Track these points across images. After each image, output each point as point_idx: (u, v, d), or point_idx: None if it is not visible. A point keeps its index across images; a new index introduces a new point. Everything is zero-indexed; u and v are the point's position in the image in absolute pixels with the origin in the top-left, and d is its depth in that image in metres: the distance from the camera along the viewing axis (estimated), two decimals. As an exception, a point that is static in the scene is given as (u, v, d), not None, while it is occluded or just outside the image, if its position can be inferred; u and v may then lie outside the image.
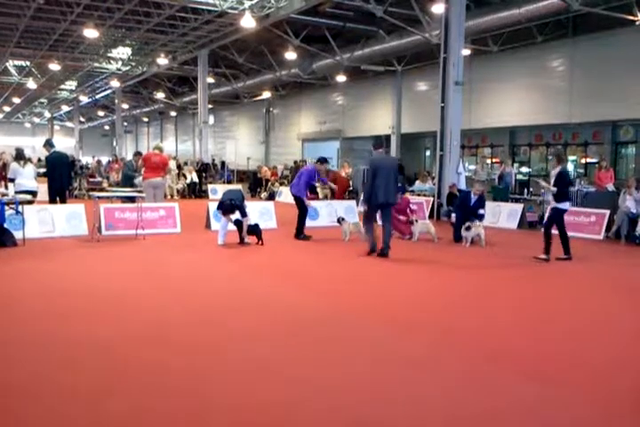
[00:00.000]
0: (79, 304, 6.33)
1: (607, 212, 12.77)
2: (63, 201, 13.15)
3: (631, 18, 16.99)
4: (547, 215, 10.27)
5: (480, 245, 11.26)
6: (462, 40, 16.03)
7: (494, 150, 26.68)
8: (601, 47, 19.40)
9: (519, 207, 14.91)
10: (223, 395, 3.95)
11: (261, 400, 3.86)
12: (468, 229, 11.32)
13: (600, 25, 18.85)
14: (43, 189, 13.02)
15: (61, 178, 13.19)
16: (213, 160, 31.39)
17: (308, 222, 12.34)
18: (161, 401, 3.83)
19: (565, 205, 9.71)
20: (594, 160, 21.60)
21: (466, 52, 18.11)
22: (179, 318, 5.87)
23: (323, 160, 12.13)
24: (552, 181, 9.73)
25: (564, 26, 20.67)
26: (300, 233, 11.81)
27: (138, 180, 13.56)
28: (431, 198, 16.91)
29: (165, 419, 3.59)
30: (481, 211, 11.78)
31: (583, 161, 23.03)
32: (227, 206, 10.72)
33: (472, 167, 27.22)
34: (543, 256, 9.61)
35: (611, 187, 15.35)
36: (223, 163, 30.87)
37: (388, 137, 29.75)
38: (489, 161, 26.98)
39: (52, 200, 12.97)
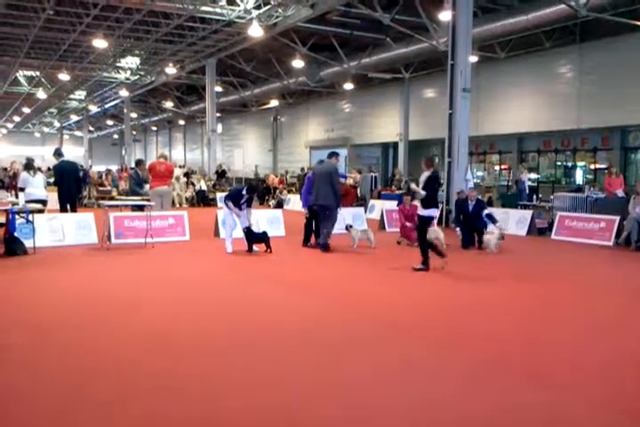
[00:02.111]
0: (88, 312, 6.35)
1: (617, 218, 12.70)
2: (73, 210, 13.20)
3: (639, 23, 16.95)
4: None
5: (490, 250, 11.22)
6: (470, 47, 16.04)
7: (502, 157, 26.65)
8: (609, 53, 19.38)
9: (528, 214, 14.85)
10: (227, 399, 3.95)
11: (264, 404, 3.87)
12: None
13: (608, 31, 18.83)
14: (52, 197, 13.09)
15: (70, 187, 13.22)
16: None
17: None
18: (169, 407, 3.83)
19: (432, 212, 9.14)
20: (603, 166, 21.52)
21: (473, 58, 18.11)
22: (186, 325, 5.87)
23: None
24: (421, 186, 9.18)
25: (572, 32, 20.66)
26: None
27: (145, 189, 13.59)
28: (439, 205, 16.87)
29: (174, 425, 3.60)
30: (485, 211, 11.82)
31: (592, 167, 22.95)
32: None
33: (479, 174, 27.25)
34: (419, 266, 9.02)
35: (620, 193, 15.28)
36: (224, 171, 30.72)
37: (395, 144, 29.81)
38: (497, 167, 26.96)
39: (62, 209, 13.03)
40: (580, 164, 23.70)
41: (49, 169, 28.71)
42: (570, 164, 24.07)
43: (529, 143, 25.14)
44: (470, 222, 11.86)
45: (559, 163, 24.48)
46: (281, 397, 4.04)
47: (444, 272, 9.28)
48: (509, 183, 24.02)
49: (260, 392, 4.11)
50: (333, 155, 11.57)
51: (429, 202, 9.09)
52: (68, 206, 13.07)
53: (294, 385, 4.27)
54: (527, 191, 18.89)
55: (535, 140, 24.58)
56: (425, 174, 9.19)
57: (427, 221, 9.14)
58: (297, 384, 4.29)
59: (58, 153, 13.42)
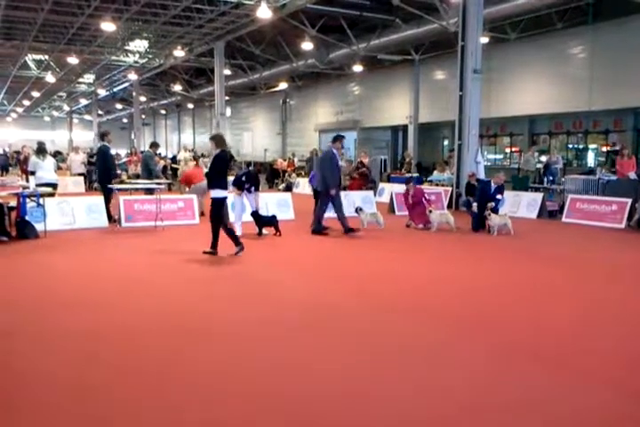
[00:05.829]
0: (98, 295, 6.41)
1: (629, 200, 12.60)
2: (104, 196, 12.56)
3: (653, 2, 16.65)
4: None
5: (510, 233, 11.21)
6: (480, 28, 15.84)
7: (513, 139, 26.44)
8: (622, 33, 19.04)
9: (539, 197, 14.75)
10: (231, 384, 3.99)
11: (269, 390, 3.89)
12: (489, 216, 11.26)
13: (621, 11, 18.50)
14: (62, 182, 13.11)
15: (98, 171, 12.95)
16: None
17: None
18: (175, 393, 3.87)
19: (219, 193, 8.58)
20: (615, 148, 21.28)
21: (484, 39, 17.89)
22: (191, 309, 5.91)
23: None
24: (208, 165, 8.89)
25: (585, 12, 20.32)
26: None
27: (156, 172, 13.66)
28: (449, 188, 16.81)
29: (179, 408, 3.63)
30: (498, 196, 11.69)
31: (604, 149, 22.71)
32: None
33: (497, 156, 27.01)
34: (209, 250, 8.72)
35: (632, 175, 15.12)
36: (231, 156, 30.58)
37: (405, 127, 29.62)
38: (507, 150, 26.74)
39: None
40: (591, 146, 23.47)
41: (59, 153, 28.78)
42: (581, 146, 23.84)
43: (540, 125, 24.89)
44: (482, 205, 11.63)
45: (570, 145, 24.25)
46: (284, 382, 4.07)
47: (453, 255, 9.28)
48: (520, 166, 23.74)
49: (264, 378, 4.14)
50: (338, 138, 11.26)
51: (215, 183, 8.61)
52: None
53: (297, 370, 4.30)
54: (558, 176, 18.16)
55: (546, 122, 24.34)
56: (213, 154, 8.87)
57: (219, 203, 8.64)
58: (299, 370, 4.31)
59: (100, 135, 13.29)
